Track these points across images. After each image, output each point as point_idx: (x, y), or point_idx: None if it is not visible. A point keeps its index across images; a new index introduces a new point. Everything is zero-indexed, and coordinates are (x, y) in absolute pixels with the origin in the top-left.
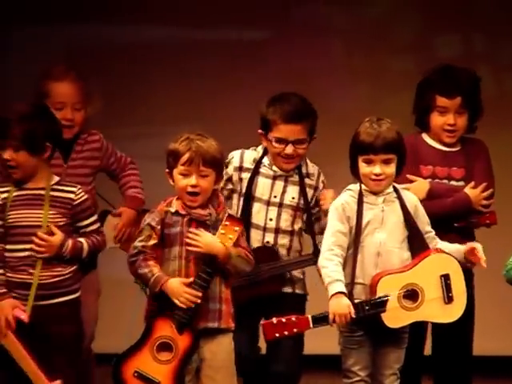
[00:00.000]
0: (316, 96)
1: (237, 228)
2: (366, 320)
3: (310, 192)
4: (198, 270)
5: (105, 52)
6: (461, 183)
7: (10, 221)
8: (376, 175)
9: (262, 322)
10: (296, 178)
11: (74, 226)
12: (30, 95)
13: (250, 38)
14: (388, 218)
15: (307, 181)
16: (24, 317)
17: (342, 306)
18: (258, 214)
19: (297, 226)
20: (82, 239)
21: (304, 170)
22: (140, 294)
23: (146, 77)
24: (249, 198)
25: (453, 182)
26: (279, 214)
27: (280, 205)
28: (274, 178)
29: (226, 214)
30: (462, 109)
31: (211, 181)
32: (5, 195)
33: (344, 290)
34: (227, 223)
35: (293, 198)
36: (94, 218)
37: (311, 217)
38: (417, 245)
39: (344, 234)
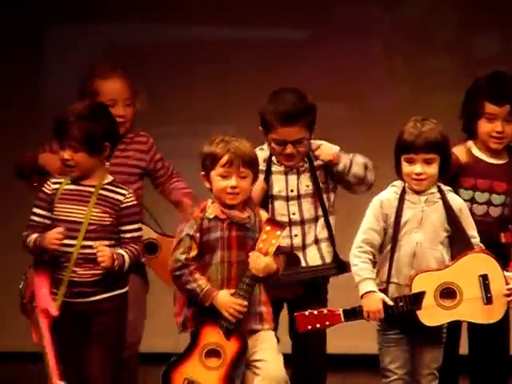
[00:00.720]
0: (355, 96)
1: (278, 232)
2: (402, 317)
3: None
4: (241, 275)
5: (140, 51)
6: (502, 197)
7: (55, 213)
8: (417, 174)
9: (295, 313)
10: (306, 165)
11: (117, 228)
12: (67, 94)
13: (289, 38)
14: (427, 219)
15: (318, 162)
16: (54, 310)
17: (373, 303)
18: (281, 211)
19: (321, 211)
20: (122, 252)
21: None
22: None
23: (179, 76)
24: (268, 197)
25: (494, 196)
26: (300, 206)
27: (298, 197)
28: (286, 173)
29: (265, 219)
30: (510, 117)
31: (250, 182)
32: (55, 186)
33: (373, 287)
34: (268, 228)
35: (307, 186)
36: (138, 225)
37: (325, 205)
38: (460, 246)
39: (377, 231)
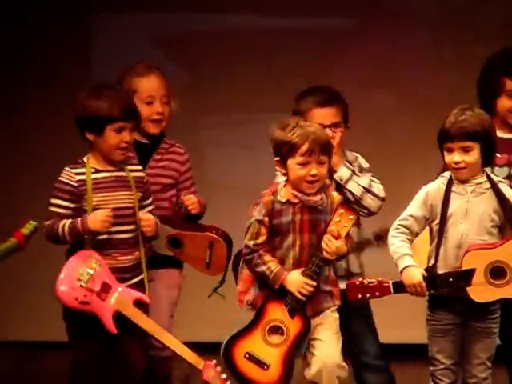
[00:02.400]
0: (403, 84)
1: (351, 216)
2: (452, 298)
3: None
4: (311, 257)
5: (188, 40)
6: None
7: (95, 203)
8: (455, 163)
9: (346, 282)
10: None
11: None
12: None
13: (336, 27)
14: (473, 210)
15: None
16: (146, 297)
17: (413, 276)
18: None
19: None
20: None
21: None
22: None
23: (232, 65)
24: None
25: None
26: None
27: None
28: None
29: (339, 202)
30: None
31: (327, 167)
32: (81, 177)
33: (412, 262)
34: (342, 211)
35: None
36: (152, 198)
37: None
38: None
39: (417, 219)
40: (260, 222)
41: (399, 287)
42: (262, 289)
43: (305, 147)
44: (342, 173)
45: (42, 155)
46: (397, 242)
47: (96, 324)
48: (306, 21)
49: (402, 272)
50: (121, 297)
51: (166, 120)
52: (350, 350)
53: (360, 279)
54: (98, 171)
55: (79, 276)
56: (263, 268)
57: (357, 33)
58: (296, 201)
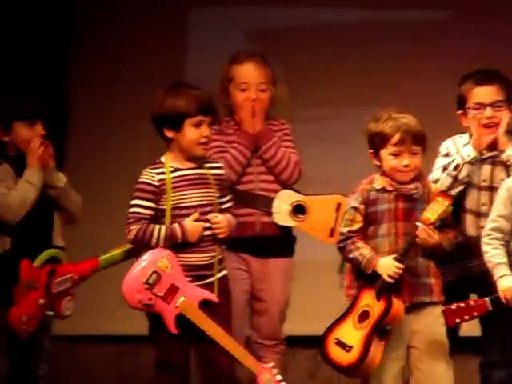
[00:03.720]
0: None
1: (446, 202)
2: None
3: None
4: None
5: (282, 34)
6: None
7: (174, 201)
8: None
9: (442, 308)
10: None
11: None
12: (210, 80)
13: (432, 19)
14: None
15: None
16: (214, 297)
17: (508, 285)
18: (472, 199)
19: None
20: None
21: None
22: None
23: (326, 59)
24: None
25: None
26: (491, 199)
27: (490, 188)
28: (481, 161)
29: (437, 191)
30: None
31: (421, 157)
32: (162, 177)
33: (507, 271)
34: (439, 198)
35: (501, 180)
36: (230, 196)
37: None
38: None
39: (505, 217)
40: (355, 209)
41: (496, 302)
42: (358, 277)
43: (396, 137)
44: (510, 153)
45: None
46: (490, 250)
47: (181, 323)
48: (400, 13)
49: (497, 281)
50: (186, 300)
51: (261, 104)
52: None
53: (455, 304)
54: (176, 170)
55: (147, 278)
56: (356, 254)
57: (451, 25)
58: (391, 189)
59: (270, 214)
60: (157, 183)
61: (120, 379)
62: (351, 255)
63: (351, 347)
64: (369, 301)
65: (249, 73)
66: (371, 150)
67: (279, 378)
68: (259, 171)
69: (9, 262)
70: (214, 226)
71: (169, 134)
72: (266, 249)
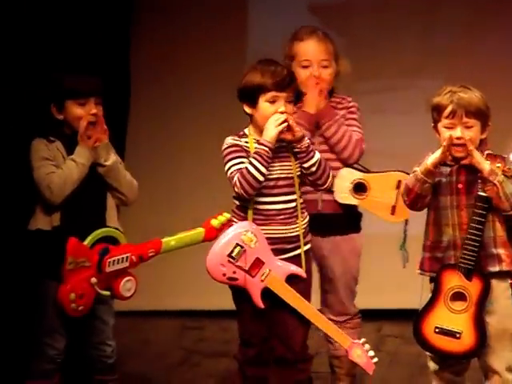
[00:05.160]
0: None
1: (498, 165)
2: None
3: None
4: (470, 217)
5: (345, 8)
6: None
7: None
8: None
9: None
10: None
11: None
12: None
13: None
14: None
15: None
16: (303, 272)
17: None
18: None
19: None
20: None
21: None
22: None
23: (389, 32)
24: None
25: None
26: None
27: None
28: None
29: (486, 152)
30: None
31: (477, 131)
32: (246, 144)
33: None
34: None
35: None
36: None
37: None
38: None
39: None
40: None
41: None
42: (429, 252)
43: (448, 109)
44: None
45: (202, 134)
46: None
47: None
48: None
49: None
50: (272, 273)
51: (324, 82)
52: None
53: None
54: (258, 142)
55: (231, 251)
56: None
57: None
58: (453, 163)
59: (331, 191)
60: (244, 147)
61: (183, 354)
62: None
63: (461, 333)
64: (457, 282)
65: (311, 49)
66: (432, 124)
67: (371, 353)
68: (321, 149)
69: (58, 238)
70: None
71: (247, 109)
72: (328, 226)
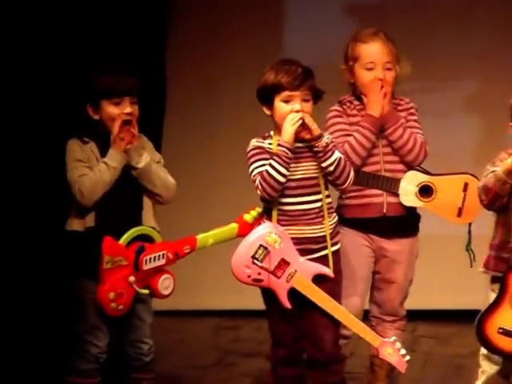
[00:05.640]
0: None
1: None
2: None
3: None
4: None
5: (381, 8)
6: None
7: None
8: None
9: None
10: None
11: None
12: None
13: None
14: None
15: None
16: (330, 272)
17: None
18: None
19: None
20: None
21: None
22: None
23: (426, 32)
24: None
25: None
26: None
27: None
28: None
29: None
30: None
31: None
32: (270, 146)
33: None
34: None
35: None
36: None
37: None
38: None
39: None
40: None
41: None
42: (494, 250)
43: None
44: None
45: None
46: None
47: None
48: None
49: None
50: (298, 273)
51: (388, 85)
52: None
53: None
54: (277, 144)
55: (255, 253)
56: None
57: None
58: None
59: (396, 194)
60: (267, 149)
61: (219, 354)
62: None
63: None
64: None
65: (375, 52)
66: (511, 124)
67: (403, 351)
68: (385, 152)
69: (92, 239)
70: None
71: (266, 110)
72: (392, 229)
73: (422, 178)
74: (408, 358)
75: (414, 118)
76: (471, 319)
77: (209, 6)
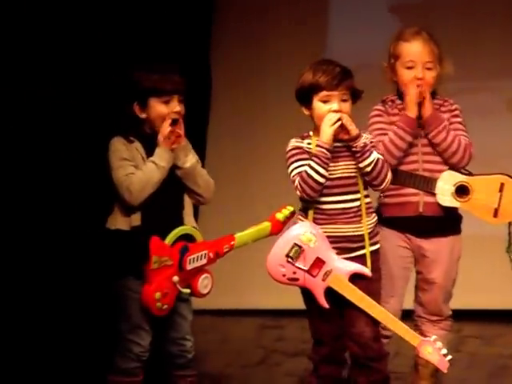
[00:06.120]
0: None
1: None
2: None
3: None
4: None
5: (425, 8)
6: None
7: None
8: None
9: None
10: None
11: None
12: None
13: None
14: None
15: None
16: (367, 271)
17: None
18: None
19: None
20: None
21: None
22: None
23: (467, 30)
24: None
25: None
26: None
27: None
28: None
29: None
30: None
31: None
32: (309, 146)
33: None
34: None
35: None
36: None
37: None
38: None
39: None
40: None
41: None
42: None
43: None
44: None
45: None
46: None
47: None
48: None
49: None
50: (334, 272)
51: (428, 85)
52: None
53: None
54: (316, 144)
55: (289, 252)
56: None
57: None
58: None
59: (433, 194)
60: (306, 149)
61: (263, 353)
62: None
63: None
64: None
65: (416, 51)
66: None
67: (444, 351)
68: (424, 151)
69: (138, 238)
70: (345, 120)
71: (305, 111)
72: (429, 228)
73: (458, 177)
74: (450, 357)
75: (459, 119)
76: None
77: (254, 7)
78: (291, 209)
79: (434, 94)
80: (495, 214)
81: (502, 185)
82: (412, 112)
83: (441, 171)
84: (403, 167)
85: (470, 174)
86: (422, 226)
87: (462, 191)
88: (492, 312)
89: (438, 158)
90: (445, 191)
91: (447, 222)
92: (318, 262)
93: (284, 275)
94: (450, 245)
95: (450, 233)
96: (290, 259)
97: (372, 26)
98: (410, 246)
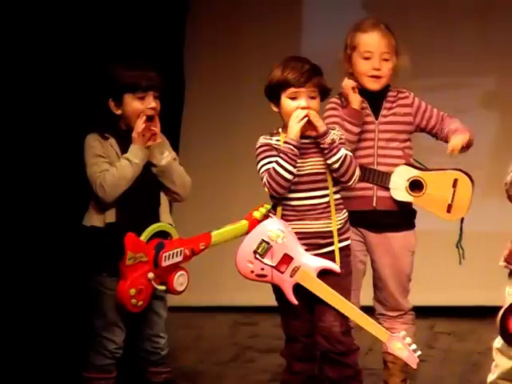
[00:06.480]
0: None
1: None
2: None
3: None
4: None
5: (401, 4)
6: None
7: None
8: None
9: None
10: None
11: None
12: (325, 48)
13: None
14: None
15: None
16: (336, 267)
17: None
18: None
19: None
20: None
21: None
22: None
23: (447, 28)
24: None
25: None
26: None
27: None
28: None
29: None
30: None
31: None
32: (277, 142)
33: None
34: None
35: None
36: None
37: None
38: None
39: None
40: None
41: None
42: None
43: None
44: None
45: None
46: None
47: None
48: None
49: None
50: (302, 268)
51: (385, 77)
52: None
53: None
54: (284, 141)
55: (257, 248)
56: None
57: None
58: None
59: (387, 188)
60: (274, 145)
61: (237, 349)
62: None
63: None
64: None
65: (373, 42)
66: None
67: (414, 346)
68: (379, 145)
69: (113, 235)
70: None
71: (273, 107)
72: (382, 223)
73: (412, 172)
74: (419, 353)
75: (427, 106)
76: (489, 315)
77: (227, 5)
78: (269, 207)
79: (388, 87)
80: (448, 210)
81: (456, 180)
82: (354, 103)
83: (396, 165)
84: (358, 161)
85: (425, 168)
86: (375, 221)
87: (415, 186)
88: (465, 308)
89: (393, 153)
90: (399, 185)
91: (400, 217)
92: (286, 259)
93: (252, 271)
94: (402, 239)
95: (403, 228)
96: (257, 255)
97: (347, 23)
98: (363, 240)
